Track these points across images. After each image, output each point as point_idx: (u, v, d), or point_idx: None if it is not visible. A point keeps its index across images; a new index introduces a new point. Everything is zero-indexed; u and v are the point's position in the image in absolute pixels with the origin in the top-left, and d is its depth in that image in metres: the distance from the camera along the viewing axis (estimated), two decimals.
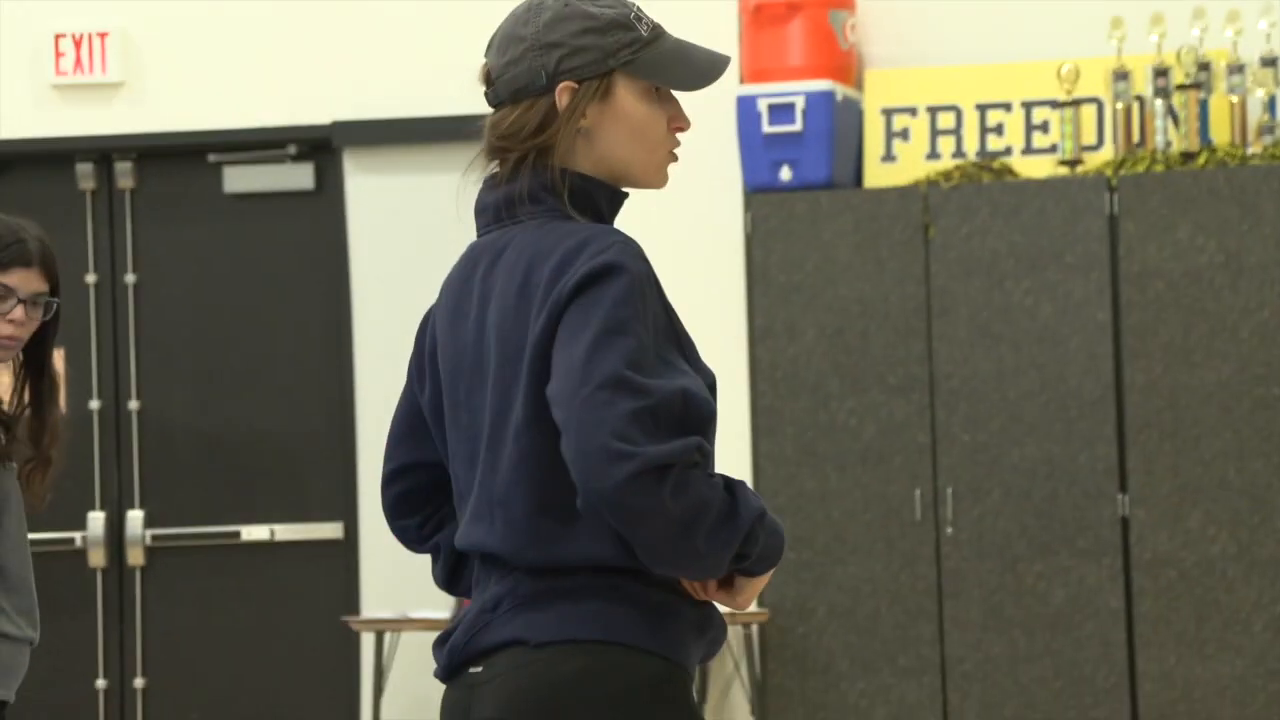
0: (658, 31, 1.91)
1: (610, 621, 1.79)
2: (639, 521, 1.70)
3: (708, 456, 1.75)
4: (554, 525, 1.79)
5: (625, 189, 1.93)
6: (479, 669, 1.84)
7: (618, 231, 1.83)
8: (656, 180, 1.94)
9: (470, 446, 1.86)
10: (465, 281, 1.91)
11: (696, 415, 1.76)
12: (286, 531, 6.47)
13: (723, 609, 1.91)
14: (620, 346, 1.72)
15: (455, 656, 1.86)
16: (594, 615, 1.79)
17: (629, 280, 1.76)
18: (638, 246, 1.80)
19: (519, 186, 1.85)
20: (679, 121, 1.93)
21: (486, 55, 1.93)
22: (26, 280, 2.84)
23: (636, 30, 1.87)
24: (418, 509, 2.00)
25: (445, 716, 1.94)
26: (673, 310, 1.83)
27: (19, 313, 2.82)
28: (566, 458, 1.70)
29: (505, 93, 1.88)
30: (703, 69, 1.93)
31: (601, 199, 1.88)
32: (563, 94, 1.84)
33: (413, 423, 2.00)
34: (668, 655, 1.82)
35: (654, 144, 1.92)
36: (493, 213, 1.90)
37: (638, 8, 1.91)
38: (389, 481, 2.02)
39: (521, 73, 1.86)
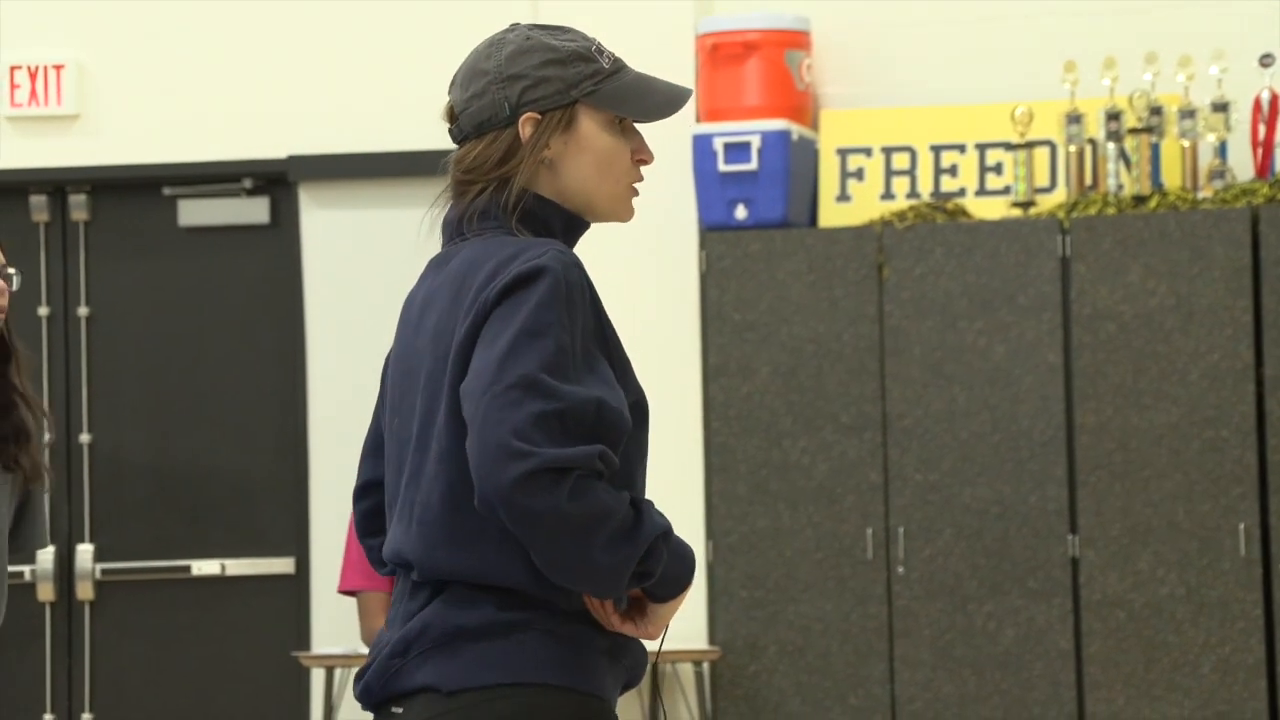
0: (619, 64, 1.95)
1: (522, 662, 1.78)
2: (533, 522, 1.70)
3: (612, 467, 1.75)
4: (466, 528, 1.79)
5: (588, 220, 1.96)
6: (399, 709, 1.85)
7: (556, 243, 1.85)
8: (622, 212, 1.97)
9: (399, 452, 1.88)
10: (413, 298, 1.96)
11: (609, 426, 1.76)
12: (237, 566, 6.48)
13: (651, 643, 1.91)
14: (538, 348, 1.74)
15: (371, 698, 1.88)
16: (505, 656, 1.79)
17: (554, 283, 1.77)
18: (574, 257, 1.81)
19: (474, 205, 1.88)
20: (642, 153, 1.95)
21: (450, 92, 1.96)
22: None
23: (598, 62, 1.91)
24: (382, 529, 2.00)
25: None
26: (608, 323, 1.84)
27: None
28: (469, 454, 1.71)
29: (469, 127, 1.91)
30: (664, 100, 1.97)
31: (556, 222, 1.90)
32: (525, 125, 1.88)
33: (376, 441, 2.03)
34: (584, 690, 1.81)
35: (618, 175, 1.95)
36: (451, 229, 1.93)
37: (599, 42, 1.96)
38: (357, 498, 2.05)
39: (485, 106, 1.89)
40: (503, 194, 1.87)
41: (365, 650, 5.91)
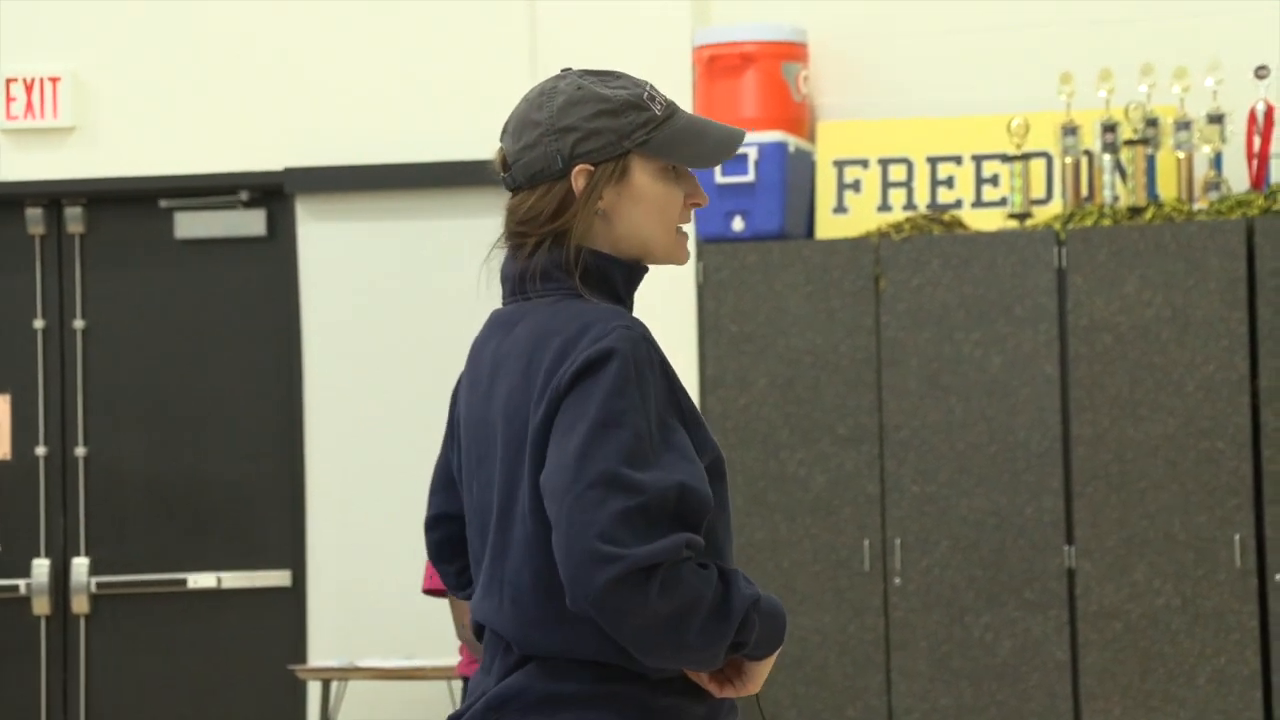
0: (671, 109, 1.93)
1: None
2: (625, 622, 1.72)
3: (698, 550, 1.75)
4: (558, 609, 1.80)
5: (647, 266, 1.95)
6: None
7: (623, 314, 1.85)
8: (678, 255, 1.96)
9: (481, 519, 1.90)
10: (481, 351, 1.95)
11: (692, 509, 1.76)
12: (234, 579, 6.50)
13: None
14: (615, 440, 1.73)
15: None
16: (594, 715, 1.83)
17: (623, 366, 1.76)
18: (642, 328, 1.81)
19: (535, 263, 1.87)
20: (696, 197, 1.94)
21: (501, 140, 1.95)
22: None
23: (650, 110, 1.89)
24: (455, 557, 2.05)
25: None
26: (679, 386, 1.83)
27: None
28: (556, 555, 1.72)
29: (522, 177, 1.90)
30: (718, 145, 1.96)
31: (617, 276, 1.90)
32: (579, 177, 1.86)
33: (448, 476, 2.05)
34: None
35: (672, 221, 1.93)
36: (512, 284, 1.92)
37: (651, 86, 1.94)
38: (429, 527, 2.10)
39: (537, 157, 1.88)
40: (560, 251, 1.86)
41: (361, 663, 5.92)
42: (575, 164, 1.85)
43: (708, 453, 1.83)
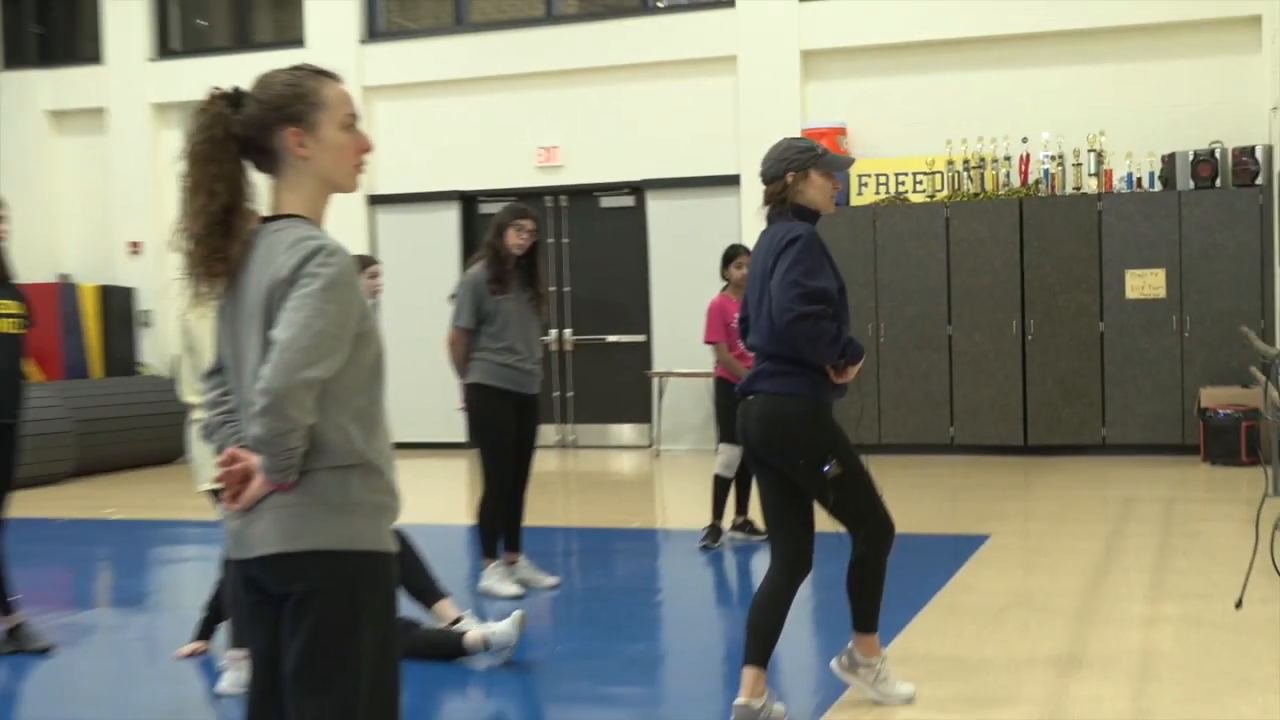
0: (824, 150, 4.95)
1: (803, 384, 4.94)
2: (796, 339, 4.73)
3: (829, 314, 4.74)
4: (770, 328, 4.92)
5: (817, 213, 5.04)
6: (751, 398, 5.02)
7: (806, 224, 4.89)
8: (828, 208, 5.03)
9: (759, 302, 5.18)
10: (759, 242, 5.03)
11: (828, 297, 4.71)
12: None
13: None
14: (800, 265, 4.78)
15: (740, 390, 5.12)
16: (795, 382, 4.91)
17: (806, 239, 4.86)
18: (812, 229, 4.92)
19: (775, 210, 5.05)
20: (836, 183, 5.01)
21: (762, 164, 5.06)
22: None
23: (816, 151, 4.98)
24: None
25: (739, 415, 5.17)
26: (826, 248, 4.95)
27: None
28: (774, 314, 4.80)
29: (766, 178, 4.97)
30: (845, 164, 5.11)
31: (808, 216, 4.97)
32: (789, 177, 4.96)
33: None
34: (823, 400, 4.95)
35: (829, 197, 5.03)
36: (768, 215, 5.04)
37: (819, 144, 5.00)
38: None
39: (771, 170, 5.01)
40: (783, 205, 5.00)
41: None
42: (788, 172, 5.01)
43: (837, 280, 4.98)
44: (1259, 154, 12.94)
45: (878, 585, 5.46)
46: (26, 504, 11.27)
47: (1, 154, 17.42)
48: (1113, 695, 5.63)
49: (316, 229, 3.14)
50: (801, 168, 5.11)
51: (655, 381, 14.91)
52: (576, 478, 13.75)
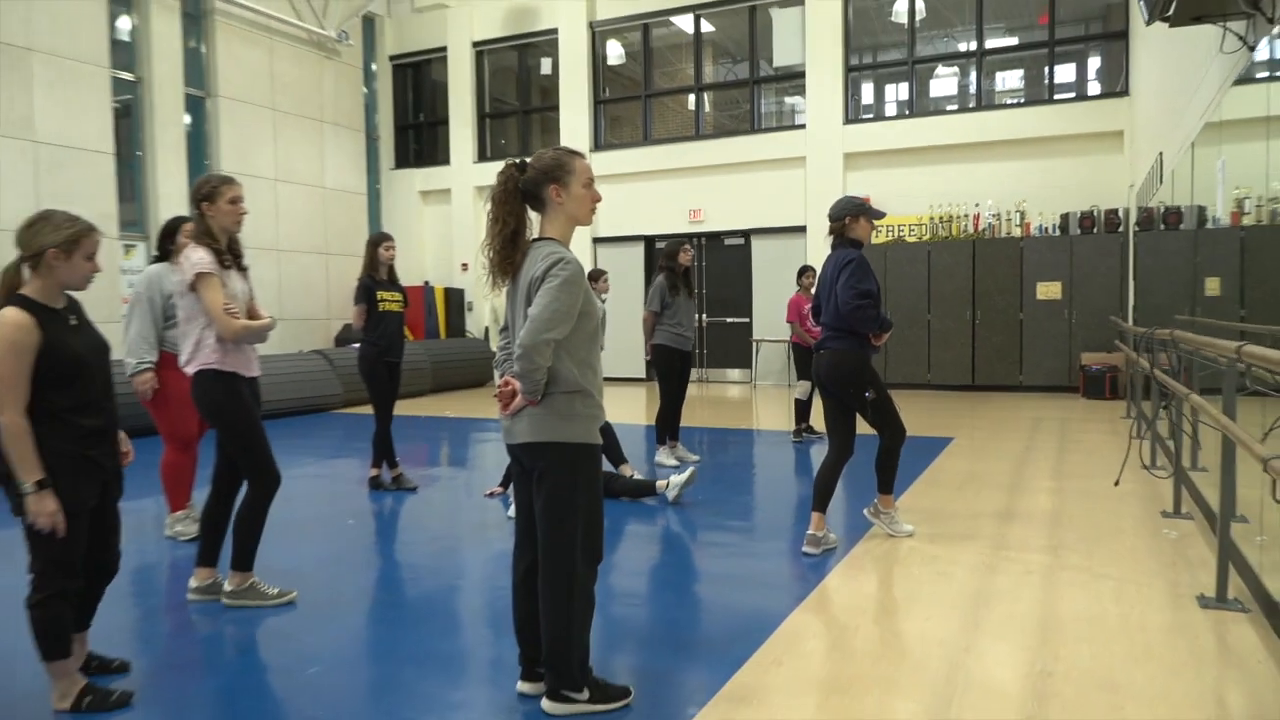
0: (868, 204, 6.10)
1: (852, 345, 6.12)
2: (850, 316, 5.85)
3: (876, 305, 5.73)
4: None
5: (860, 241, 6.35)
6: (822, 351, 6.22)
7: (858, 251, 6.16)
8: (869, 242, 6.14)
9: (828, 297, 5.85)
10: (826, 263, 6.44)
11: (873, 295, 5.78)
12: None
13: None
14: (855, 275, 5.75)
15: (815, 347, 6.24)
16: (848, 342, 6.06)
17: (860, 258, 5.73)
18: (860, 253, 6.08)
19: (834, 240, 6.24)
20: (873, 226, 6.21)
21: (830, 211, 6.21)
22: None
23: (863, 204, 6.28)
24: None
25: (813, 362, 6.20)
26: (869, 265, 5.90)
27: None
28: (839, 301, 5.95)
29: (832, 219, 6.29)
30: (879, 214, 6.35)
31: (857, 244, 6.20)
32: (848, 220, 6.06)
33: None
34: (865, 354, 6.16)
35: (869, 234, 6.26)
36: (831, 246, 6.26)
37: (861, 198, 6.03)
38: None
39: (836, 214, 6.28)
40: (842, 237, 6.15)
41: None
42: (845, 217, 6.15)
43: (876, 284, 5.62)
44: (1120, 214, 15.11)
45: (894, 465, 6.05)
46: (404, 408, 13.21)
47: (395, 215, 21.16)
48: (1035, 535, 6.00)
49: (563, 248, 3.31)
50: (854, 214, 5.86)
51: (754, 344, 18.36)
52: (709, 399, 15.70)
